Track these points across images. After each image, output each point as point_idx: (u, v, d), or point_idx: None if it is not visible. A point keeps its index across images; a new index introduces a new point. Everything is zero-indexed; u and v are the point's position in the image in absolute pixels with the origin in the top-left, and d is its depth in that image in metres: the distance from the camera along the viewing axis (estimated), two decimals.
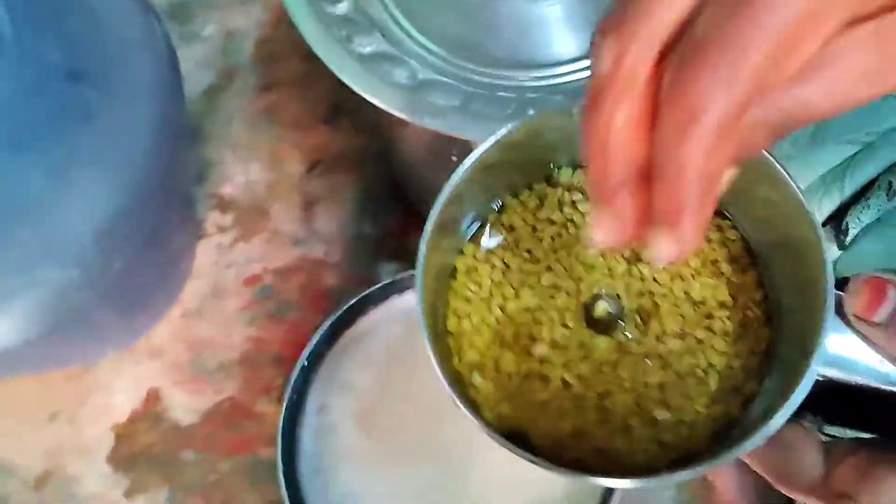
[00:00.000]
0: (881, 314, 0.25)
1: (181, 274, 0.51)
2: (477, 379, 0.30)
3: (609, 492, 0.43)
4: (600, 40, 0.20)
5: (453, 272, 0.31)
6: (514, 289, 0.31)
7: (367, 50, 0.37)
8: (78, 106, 0.35)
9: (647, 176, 0.20)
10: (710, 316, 0.30)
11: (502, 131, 0.28)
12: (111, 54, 0.36)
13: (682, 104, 0.18)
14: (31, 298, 0.35)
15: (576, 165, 0.32)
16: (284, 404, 0.45)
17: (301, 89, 0.58)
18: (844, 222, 0.38)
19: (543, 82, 0.37)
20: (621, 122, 0.19)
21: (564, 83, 0.37)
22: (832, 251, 0.38)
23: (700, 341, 0.30)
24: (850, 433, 0.29)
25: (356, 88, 0.36)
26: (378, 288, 0.47)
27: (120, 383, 0.52)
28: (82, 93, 0.35)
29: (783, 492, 0.27)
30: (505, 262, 0.31)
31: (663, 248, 0.20)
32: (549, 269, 0.31)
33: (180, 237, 0.46)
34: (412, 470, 0.44)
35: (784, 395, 0.25)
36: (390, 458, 0.45)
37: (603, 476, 0.26)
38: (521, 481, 0.44)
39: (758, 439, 0.25)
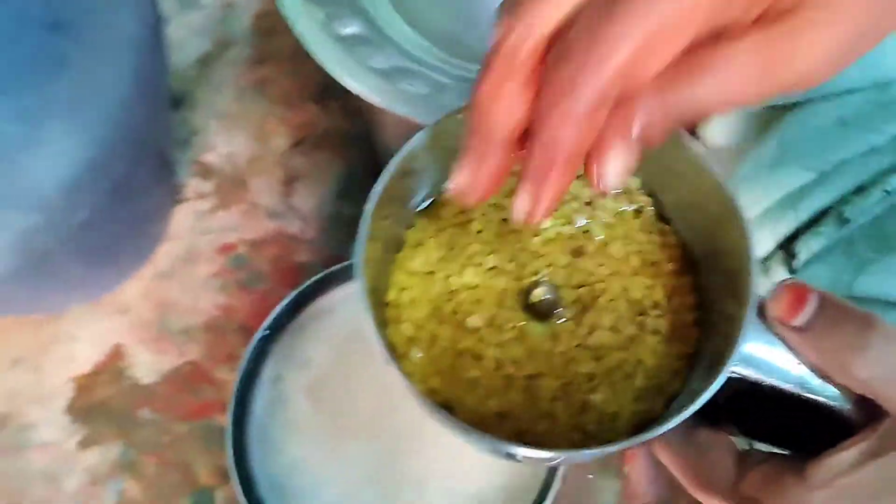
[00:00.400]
0: (800, 318, 0.26)
1: (154, 234, 0.52)
2: (412, 351, 0.31)
3: (548, 483, 0.44)
4: (498, 18, 0.23)
5: (401, 245, 0.32)
6: (458, 266, 0.31)
7: (346, 31, 0.37)
8: (54, 56, 0.36)
9: (512, 140, 0.24)
10: (643, 314, 0.31)
11: (456, 108, 0.29)
12: (92, 7, 0.37)
13: (558, 82, 0.22)
14: None
15: None
16: (240, 371, 0.46)
17: (294, 66, 0.59)
18: (795, 247, 0.38)
19: None
20: (498, 87, 0.23)
21: None
22: (780, 274, 0.39)
23: (632, 338, 0.30)
24: (767, 448, 0.30)
25: (329, 69, 0.36)
26: (344, 266, 0.48)
27: (85, 335, 0.53)
28: (59, 43, 0.36)
29: (692, 492, 0.28)
30: (452, 240, 0.32)
31: (524, 203, 0.24)
32: (494, 251, 0.32)
33: (154, 197, 0.47)
34: (357, 448, 0.45)
35: (699, 392, 0.26)
36: (337, 434, 0.46)
37: (519, 445, 0.27)
38: (463, 471, 0.45)
39: (663, 429, 0.26)
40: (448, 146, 0.30)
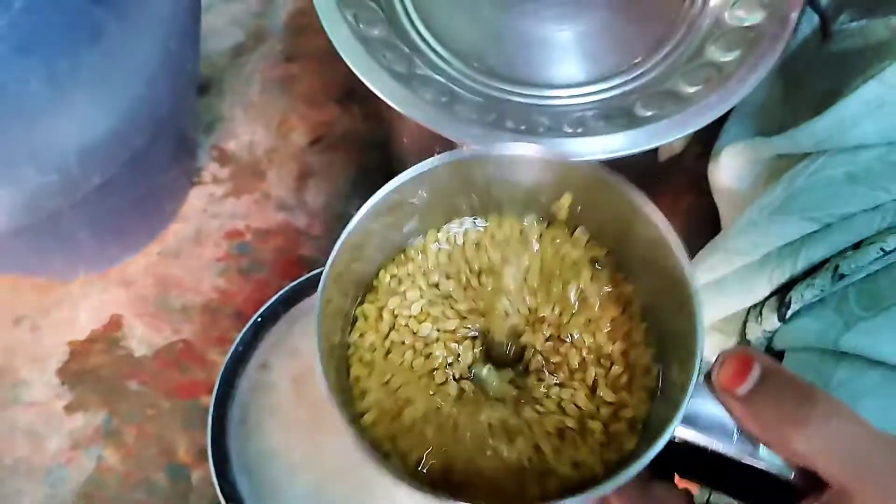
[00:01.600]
0: (743, 388, 0.26)
1: (167, 213, 0.53)
2: (365, 397, 0.32)
3: None
4: None
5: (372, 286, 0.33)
6: (426, 314, 0.32)
7: (372, 33, 0.38)
8: (91, 26, 0.37)
9: None
10: (608, 366, 0.31)
11: (423, 166, 0.31)
12: None
13: None
14: (8, 192, 0.37)
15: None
16: (230, 352, 0.46)
17: (321, 66, 0.60)
18: (789, 296, 0.39)
19: (531, 100, 0.39)
20: None
21: (550, 105, 0.39)
22: (772, 322, 0.39)
23: (590, 398, 0.31)
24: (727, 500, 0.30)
25: (351, 65, 0.37)
26: None
27: (86, 303, 0.54)
28: (97, 14, 0.37)
29: None
30: (425, 286, 0.33)
31: None
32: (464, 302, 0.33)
33: (170, 175, 0.48)
34: (335, 442, 0.46)
35: (647, 448, 0.27)
36: (315, 427, 0.46)
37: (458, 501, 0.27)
38: None
39: (608, 487, 0.27)
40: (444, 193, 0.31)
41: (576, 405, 0.31)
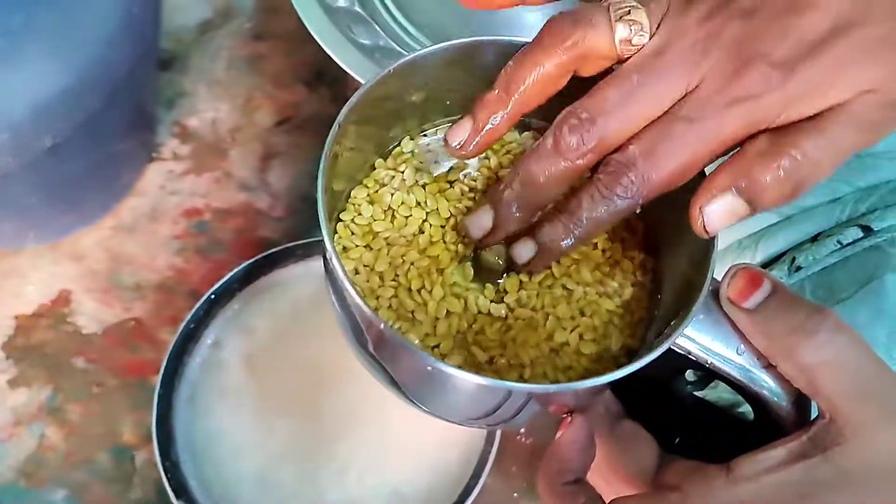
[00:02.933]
0: (752, 301, 0.27)
1: (122, 186, 0.52)
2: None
3: (469, 488, 0.43)
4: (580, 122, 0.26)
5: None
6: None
7: (338, 3, 0.38)
8: None
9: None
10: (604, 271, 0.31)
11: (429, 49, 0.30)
12: None
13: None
14: None
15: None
16: (180, 329, 0.45)
17: (291, 46, 0.59)
18: None
19: None
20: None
21: None
22: None
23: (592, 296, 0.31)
24: None
25: (315, 35, 0.37)
26: (303, 244, 0.48)
27: (36, 276, 0.53)
28: None
29: (606, 482, 0.28)
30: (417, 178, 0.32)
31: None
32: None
33: (126, 146, 0.47)
34: (284, 424, 0.45)
35: (646, 352, 0.26)
36: (266, 407, 0.45)
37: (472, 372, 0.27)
38: (386, 466, 0.44)
39: (599, 380, 0.26)
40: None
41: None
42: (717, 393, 0.37)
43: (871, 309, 0.34)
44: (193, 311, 0.46)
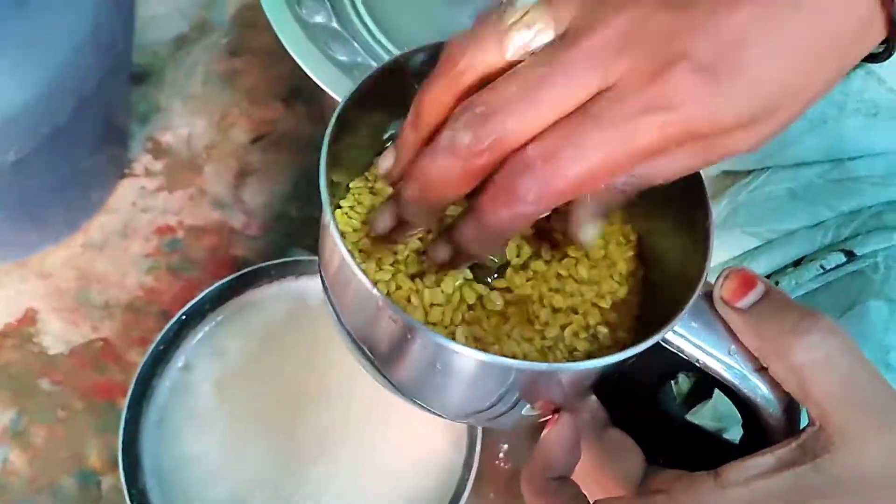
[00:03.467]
0: (746, 301, 0.26)
1: (90, 203, 0.51)
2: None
3: None
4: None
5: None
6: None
7: (314, 19, 0.37)
8: None
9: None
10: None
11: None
12: None
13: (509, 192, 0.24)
14: None
15: None
16: (149, 351, 0.44)
17: (267, 63, 0.58)
18: None
19: None
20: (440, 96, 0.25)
21: None
22: None
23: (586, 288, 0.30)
24: None
25: (291, 51, 0.36)
26: (276, 264, 0.47)
27: (0, 294, 0.51)
28: None
29: (589, 489, 0.27)
30: None
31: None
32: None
33: (97, 161, 0.45)
34: (255, 449, 0.43)
35: (634, 344, 0.26)
36: (238, 432, 0.44)
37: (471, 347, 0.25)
38: (362, 489, 0.43)
39: (615, 358, 0.25)
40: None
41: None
42: (701, 419, 0.36)
43: (854, 335, 0.33)
44: (163, 332, 0.44)
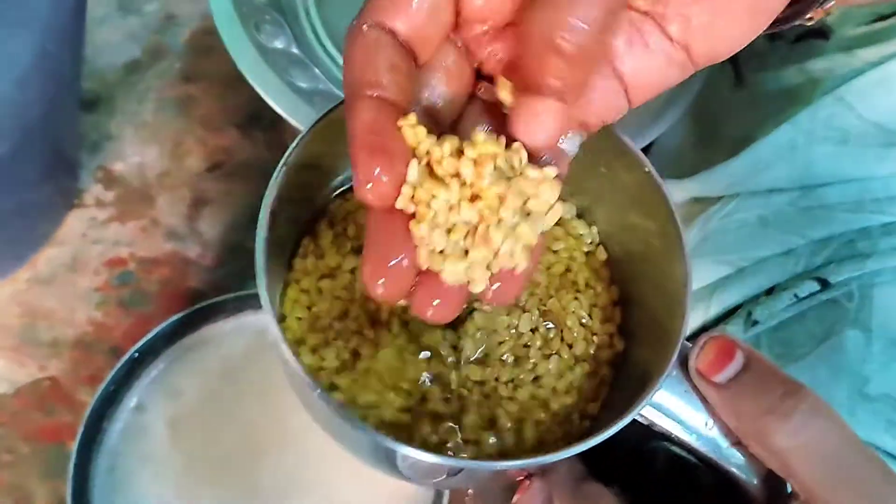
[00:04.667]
0: (723, 375, 0.25)
1: (37, 236, 0.48)
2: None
3: None
4: None
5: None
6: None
7: (273, 44, 0.36)
8: None
9: None
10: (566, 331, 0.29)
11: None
12: None
13: None
14: None
15: None
16: (99, 392, 0.42)
17: (223, 90, 0.56)
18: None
19: None
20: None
21: None
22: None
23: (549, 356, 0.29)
24: None
25: (250, 79, 0.34)
26: (233, 297, 0.45)
27: None
28: None
29: None
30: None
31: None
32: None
33: (42, 194, 0.43)
34: (213, 494, 0.41)
35: (607, 424, 0.24)
36: (194, 475, 0.41)
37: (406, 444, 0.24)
38: None
39: (561, 455, 0.24)
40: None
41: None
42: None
43: (831, 367, 0.33)
44: (114, 371, 0.42)
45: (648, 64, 0.24)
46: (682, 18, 0.23)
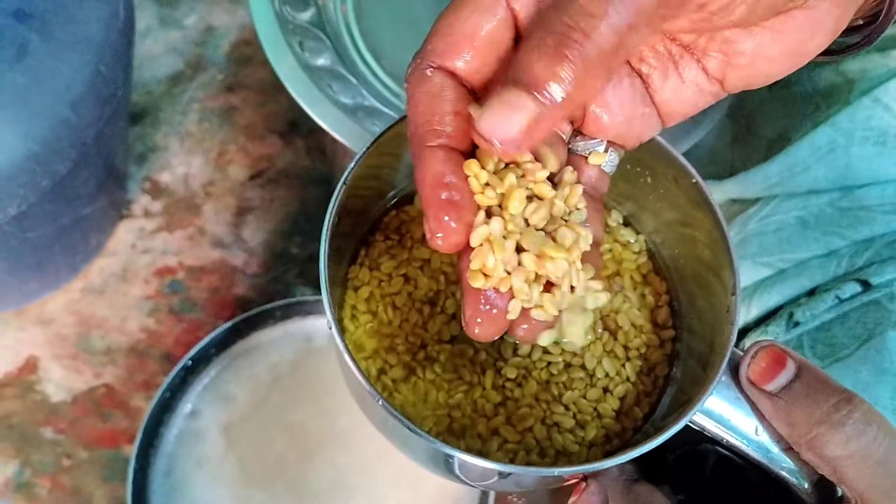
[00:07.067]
0: (775, 384, 0.25)
1: (91, 247, 0.50)
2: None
3: None
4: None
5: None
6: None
7: (317, 62, 0.37)
8: (14, 43, 0.34)
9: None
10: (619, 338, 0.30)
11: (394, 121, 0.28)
12: (61, 3, 0.36)
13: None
14: None
15: None
16: (155, 399, 0.43)
17: (264, 98, 0.58)
18: (742, 345, 0.37)
19: None
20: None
21: None
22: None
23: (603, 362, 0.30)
24: None
25: (294, 94, 0.35)
26: (281, 305, 0.46)
27: (0, 343, 0.50)
28: (22, 31, 0.34)
29: None
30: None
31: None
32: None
33: (96, 207, 0.45)
34: (266, 497, 0.43)
35: (658, 432, 0.25)
36: (247, 478, 0.43)
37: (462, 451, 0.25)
38: None
39: (613, 461, 0.25)
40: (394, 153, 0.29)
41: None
42: None
43: (873, 368, 0.33)
44: (169, 379, 0.44)
45: (683, 94, 0.24)
46: (722, 56, 0.24)
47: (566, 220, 0.24)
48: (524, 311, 0.23)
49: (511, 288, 0.23)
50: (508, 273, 0.23)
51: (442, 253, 0.30)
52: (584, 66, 0.21)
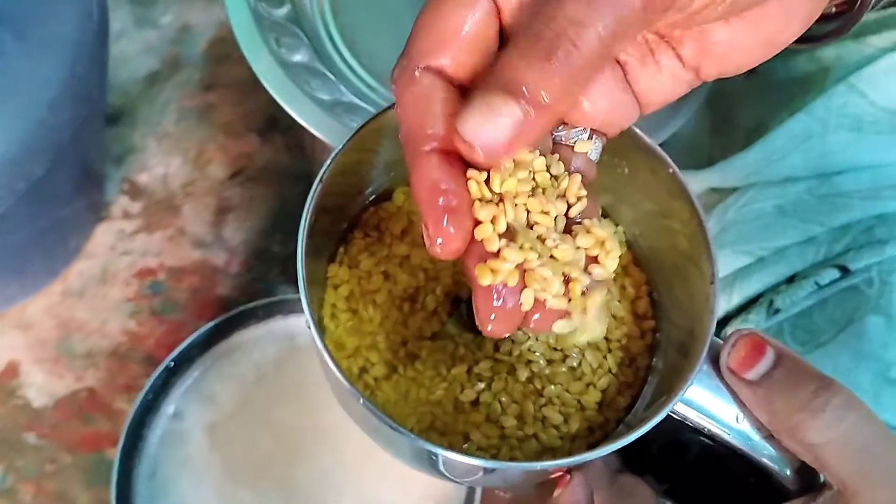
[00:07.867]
0: (755, 372, 0.25)
1: (70, 250, 0.49)
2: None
3: None
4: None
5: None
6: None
7: (294, 58, 0.36)
8: None
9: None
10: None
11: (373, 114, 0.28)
12: (34, 4, 0.35)
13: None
14: None
15: None
16: (138, 401, 0.43)
17: (241, 96, 0.57)
18: (723, 332, 0.38)
19: None
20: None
21: None
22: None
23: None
24: None
25: (272, 91, 0.35)
26: (263, 304, 0.46)
27: None
28: None
29: None
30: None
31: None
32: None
33: (74, 209, 0.44)
34: (252, 497, 0.42)
35: (640, 423, 0.25)
36: (233, 478, 0.43)
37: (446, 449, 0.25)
38: None
39: (596, 454, 0.25)
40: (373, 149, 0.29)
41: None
42: None
43: (853, 353, 0.34)
44: (151, 381, 0.43)
45: (659, 81, 0.24)
46: (696, 45, 0.24)
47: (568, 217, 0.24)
48: (536, 301, 0.23)
49: (522, 280, 0.23)
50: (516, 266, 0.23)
51: (421, 249, 0.30)
52: (571, 73, 0.21)
